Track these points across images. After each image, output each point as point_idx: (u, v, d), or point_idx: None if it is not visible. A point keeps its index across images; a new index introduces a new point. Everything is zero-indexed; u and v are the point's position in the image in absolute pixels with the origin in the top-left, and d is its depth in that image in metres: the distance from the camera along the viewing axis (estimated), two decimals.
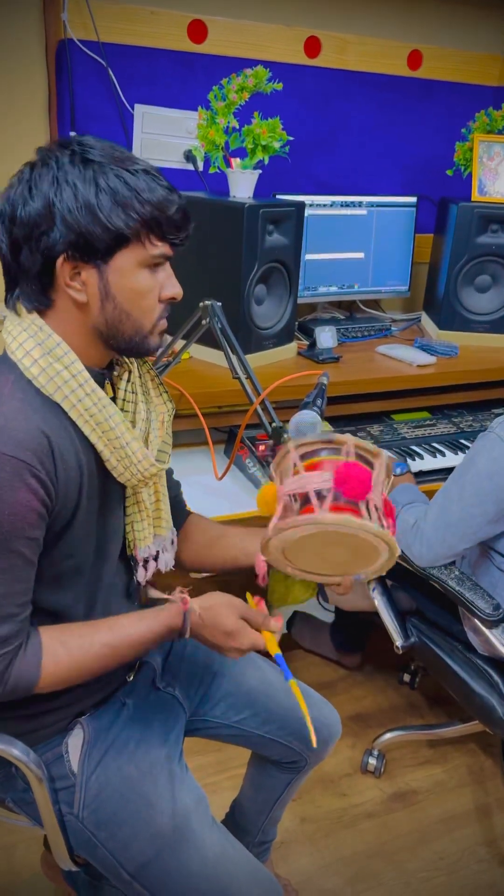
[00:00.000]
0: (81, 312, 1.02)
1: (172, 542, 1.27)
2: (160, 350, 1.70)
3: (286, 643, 2.43)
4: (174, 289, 1.06)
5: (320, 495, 0.94)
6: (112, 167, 0.97)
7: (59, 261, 0.98)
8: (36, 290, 1.01)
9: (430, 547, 1.55)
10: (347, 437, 0.98)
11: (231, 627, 1.09)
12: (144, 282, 1.02)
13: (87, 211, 0.96)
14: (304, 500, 0.97)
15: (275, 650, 1.10)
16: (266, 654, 1.15)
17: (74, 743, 1.18)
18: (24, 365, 1.00)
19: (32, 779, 1.11)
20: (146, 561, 1.23)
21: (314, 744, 1.08)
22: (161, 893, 1.11)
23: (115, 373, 1.13)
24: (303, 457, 0.99)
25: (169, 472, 1.35)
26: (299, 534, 0.94)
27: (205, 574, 1.38)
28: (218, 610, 1.10)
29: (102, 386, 1.09)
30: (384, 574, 1.82)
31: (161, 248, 1.02)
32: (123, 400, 1.13)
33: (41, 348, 1.01)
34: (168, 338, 1.60)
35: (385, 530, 0.93)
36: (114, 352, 1.08)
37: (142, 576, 1.23)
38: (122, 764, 1.15)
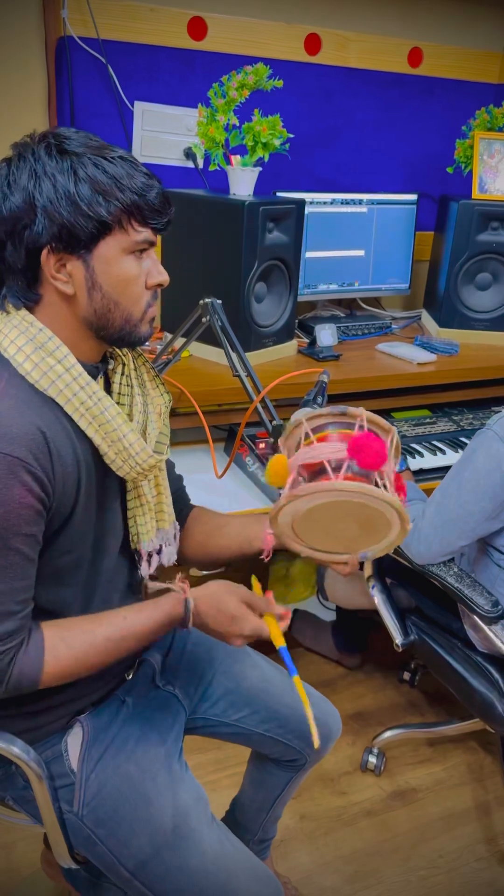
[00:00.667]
0: (69, 305, 1.02)
1: (175, 536, 1.27)
2: (161, 348, 1.71)
3: (286, 641, 2.42)
4: (161, 276, 1.06)
5: (335, 465, 0.93)
6: (89, 156, 0.98)
7: (44, 253, 0.99)
8: (23, 286, 1.02)
9: (429, 545, 1.55)
10: (361, 410, 0.97)
11: (234, 611, 1.08)
12: (130, 269, 1.02)
13: (67, 201, 0.96)
14: (317, 472, 0.95)
15: (280, 642, 1.09)
16: (269, 650, 1.14)
17: (74, 741, 1.18)
18: (16, 361, 1.00)
19: (32, 777, 1.11)
20: (149, 555, 1.23)
21: (316, 744, 1.05)
22: (160, 891, 1.11)
23: (110, 367, 1.13)
24: (315, 430, 0.98)
25: (170, 466, 1.35)
26: (314, 502, 0.92)
27: (208, 571, 1.38)
28: (220, 596, 1.10)
29: (97, 380, 1.09)
30: (383, 572, 1.83)
31: (144, 234, 1.02)
32: (119, 393, 1.13)
33: (33, 343, 1.01)
34: (167, 335, 1.61)
35: (400, 502, 0.92)
36: (105, 343, 1.08)
37: (145, 570, 1.23)
38: (121, 762, 1.15)
